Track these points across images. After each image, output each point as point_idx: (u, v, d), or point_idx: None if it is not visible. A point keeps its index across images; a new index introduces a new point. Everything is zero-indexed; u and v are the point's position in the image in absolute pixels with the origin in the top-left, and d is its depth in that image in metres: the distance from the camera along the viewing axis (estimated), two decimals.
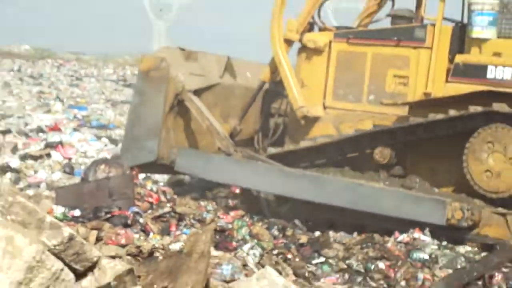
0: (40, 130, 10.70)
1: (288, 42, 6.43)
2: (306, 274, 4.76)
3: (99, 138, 10.46)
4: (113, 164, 5.85)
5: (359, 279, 4.68)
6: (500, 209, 5.41)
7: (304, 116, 6.23)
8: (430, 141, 5.84)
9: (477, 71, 5.78)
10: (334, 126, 6.27)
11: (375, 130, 5.90)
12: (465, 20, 6.18)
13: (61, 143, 9.11)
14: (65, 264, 3.49)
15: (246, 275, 4.21)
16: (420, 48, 6.03)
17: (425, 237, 5.19)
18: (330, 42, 6.33)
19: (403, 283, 4.61)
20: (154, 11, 46.46)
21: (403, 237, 5.13)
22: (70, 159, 8.38)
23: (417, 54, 6.06)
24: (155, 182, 6.98)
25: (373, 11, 6.85)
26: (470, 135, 5.48)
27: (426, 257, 4.99)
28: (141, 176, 6.71)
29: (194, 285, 3.67)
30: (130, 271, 3.73)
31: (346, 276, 4.76)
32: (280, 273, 4.27)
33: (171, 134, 6.42)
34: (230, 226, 5.25)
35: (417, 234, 5.13)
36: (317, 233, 5.58)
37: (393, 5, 6.77)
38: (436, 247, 5.13)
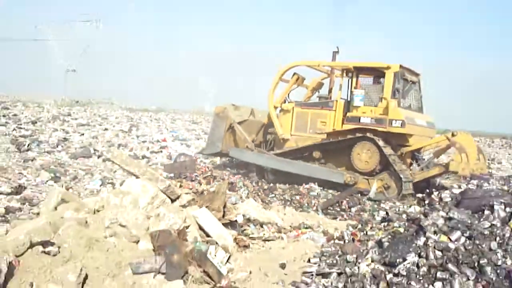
0: (157, 141, 19.35)
1: (275, 107, 13.07)
2: (267, 202, 9.90)
3: (182, 144, 19.04)
4: (186, 154, 12.57)
5: (288, 203, 10.11)
6: (366, 177, 11.30)
7: (283, 138, 12.68)
8: (336, 149, 11.78)
9: (356, 119, 11.54)
10: (295, 143, 12.54)
11: (313, 144, 12.09)
12: (349, 98, 11.96)
13: (166, 146, 17.17)
14: (167, 195, 6.31)
15: (242, 202, 8.50)
16: (331, 111, 12.03)
17: (315, 186, 11.02)
18: (293, 107, 12.74)
19: (306, 204, 10.23)
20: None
21: (307, 186, 11.00)
22: (170, 153, 15.52)
23: (330, 113, 12.05)
24: (204, 162, 13.51)
25: (311, 95, 13.49)
26: (353, 146, 11.38)
27: (315, 194, 10.73)
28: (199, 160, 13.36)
29: (219, 205, 6.59)
30: (193, 199, 6.81)
31: (283, 202, 10.12)
32: (255, 201, 8.72)
33: (226, 140, 13.10)
34: (235, 181, 11.10)
35: (312, 184, 10.99)
36: (271, 185, 11.32)
37: (319, 91, 13.44)
38: (320, 189, 10.92)
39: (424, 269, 4.56)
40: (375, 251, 5.26)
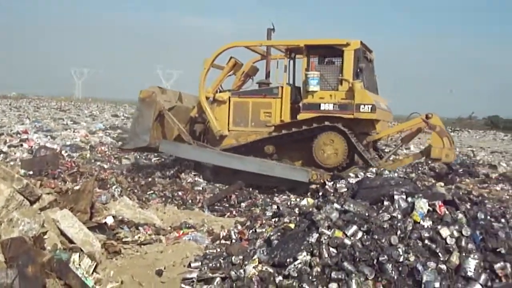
0: (17, 133, 17.35)
1: (207, 97, 11.41)
2: (144, 199, 9.11)
3: (46, 136, 16.89)
4: (48, 148, 11.23)
5: (169, 200, 9.40)
6: (328, 173, 9.72)
7: (220, 135, 11.18)
8: (290, 143, 10.68)
9: (315, 106, 10.34)
10: (235, 139, 11.21)
11: (262, 138, 10.80)
12: (296, 83, 11.15)
13: (27, 138, 15.16)
14: (24, 197, 5.46)
15: (114, 200, 7.66)
16: (276, 98, 10.82)
17: (200, 180, 10.63)
18: (229, 97, 11.31)
19: (189, 200, 9.52)
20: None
21: (190, 180, 10.51)
22: (31, 146, 13.87)
23: (275, 101, 10.85)
24: (71, 156, 12.27)
25: (242, 83, 12.16)
26: (313, 139, 10.24)
27: (201, 188, 10.27)
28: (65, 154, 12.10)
29: (85, 206, 5.99)
30: (55, 200, 5.96)
31: (163, 199, 9.38)
32: (130, 199, 8.04)
33: (154, 132, 11.12)
34: (106, 177, 10.12)
35: (197, 178, 10.56)
36: (149, 179, 10.52)
37: (253, 78, 12.17)
38: (205, 183, 10.49)
39: (318, 269, 4.32)
40: (263, 250, 4.96)
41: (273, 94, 10.93)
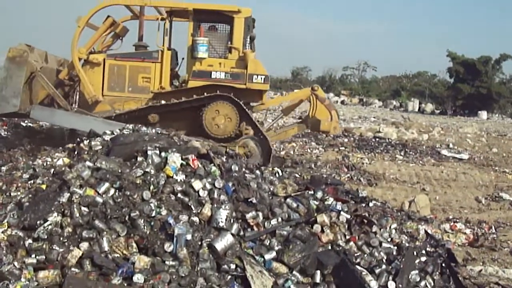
0: None
1: (80, 58, 10.53)
2: None
3: None
4: None
5: None
6: (222, 144, 9.60)
7: (95, 100, 10.43)
8: (175, 111, 10.30)
9: (206, 74, 10.26)
10: (109, 105, 10.58)
11: (148, 106, 10.39)
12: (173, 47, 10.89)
13: None
14: None
15: None
16: (156, 63, 10.51)
17: None
18: (104, 59, 10.68)
19: None
20: None
21: None
22: None
23: (154, 66, 10.52)
24: None
25: (110, 44, 11.62)
26: (201, 108, 10.07)
27: None
28: None
29: None
30: None
31: None
32: None
33: (25, 95, 10.07)
34: None
35: None
36: None
37: (122, 39, 11.65)
38: None
39: (69, 229, 4.26)
40: (13, 214, 4.68)
41: (153, 58, 10.61)
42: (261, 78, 10.19)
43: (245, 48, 10.45)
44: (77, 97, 11.06)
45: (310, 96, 10.92)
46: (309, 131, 13.54)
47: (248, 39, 10.64)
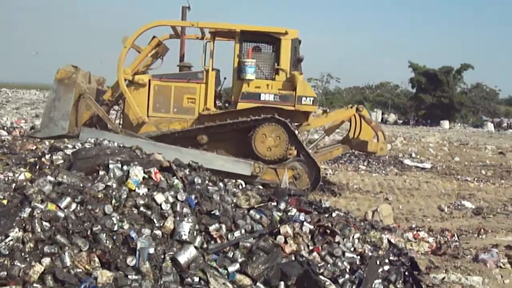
0: None
1: (126, 79, 10.58)
2: None
3: None
4: None
5: None
6: (272, 166, 10.25)
7: (142, 122, 10.51)
8: (224, 132, 10.43)
9: (255, 96, 10.35)
10: (155, 126, 10.67)
11: (198, 127, 10.45)
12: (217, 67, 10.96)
13: None
14: None
15: None
16: (201, 83, 10.63)
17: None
18: (150, 80, 10.75)
19: None
20: None
21: None
22: None
23: (199, 87, 10.64)
24: None
25: (149, 63, 11.58)
26: (251, 129, 10.19)
27: None
28: None
29: None
30: None
31: None
32: None
33: (72, 117, 10.20)
34: None
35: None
36: None
37: (162, 58, 11.66)
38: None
39: (31, 244, 4.28)
40: None
41: (198, 78, 10.69)
42: (310, 100, 10.38)
43: (292, 69, 10.62)
44: (121, 118, 11.24)
45: (353, 116, 11.39)
46: (353, 151, 14.19)
47: (296, 60, 10.76)
